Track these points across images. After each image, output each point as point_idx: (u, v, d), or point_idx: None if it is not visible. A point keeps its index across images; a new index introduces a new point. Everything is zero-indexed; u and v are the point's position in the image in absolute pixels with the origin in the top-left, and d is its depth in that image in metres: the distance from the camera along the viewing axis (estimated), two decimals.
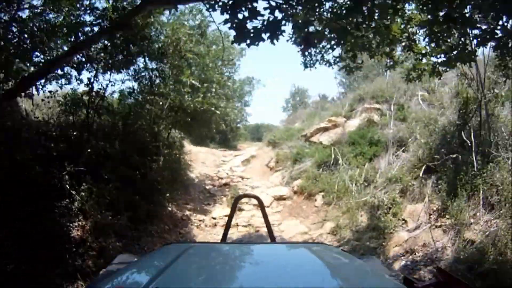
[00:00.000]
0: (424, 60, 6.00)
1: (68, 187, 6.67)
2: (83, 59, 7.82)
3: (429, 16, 4.89)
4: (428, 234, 7.14)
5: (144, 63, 8.95)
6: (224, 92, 11.70)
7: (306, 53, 5.97)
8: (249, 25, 3.79)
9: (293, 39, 5.38)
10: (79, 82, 7.93)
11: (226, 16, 3.75)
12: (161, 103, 8.97)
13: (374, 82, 17.31)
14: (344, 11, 4.42)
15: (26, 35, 6.80)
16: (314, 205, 10.03)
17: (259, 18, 3.70)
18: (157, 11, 7.73)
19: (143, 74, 9.16)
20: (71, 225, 6.51)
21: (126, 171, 8.11)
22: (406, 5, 5.28)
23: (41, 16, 7.15)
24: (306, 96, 37.79)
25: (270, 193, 11.22)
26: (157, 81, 9.19)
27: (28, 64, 7.09)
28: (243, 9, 3.70)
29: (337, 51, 5.97)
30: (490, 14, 4.16)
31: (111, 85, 8.37)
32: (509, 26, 4.24)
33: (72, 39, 7.26)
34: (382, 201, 8.53)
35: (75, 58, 7.64)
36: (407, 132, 10.83)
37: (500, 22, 4.21)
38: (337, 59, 6.11)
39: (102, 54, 7.81)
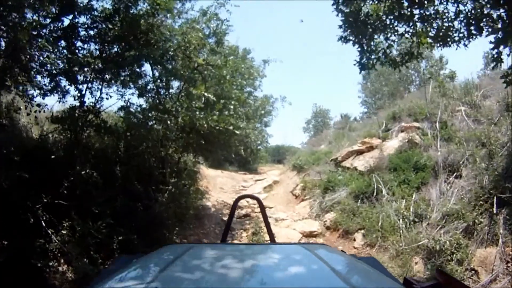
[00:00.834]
0: None
1: (44, 224, 5.19)
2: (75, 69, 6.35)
3: None
4: None
5: (150, 74, 7.43)
6: (244, 110, 9.97)
7: (364, 50, 4.35)
8: None
9: None
10: (65, 93, 6.41)
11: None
12: (169, 122, 7.36)
13: (406, 99, 15.57)
14: None
15: None
16: (353, 246, 8.12)
17: None
18: (162, 8, 6.21)
19: (148, 87, 7.62)
20: (47, 270, 5.34)
21: (124, 203, 6.53)
22: None
23: None
24: (327, 116, 36.24)
25: (298, 227, 9.33)
26: (163, 93, 7.63)
27: None
28: None
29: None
30: None
31: (107, 99, 6.82)
32: None
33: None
34: (443, 244, 6.65)
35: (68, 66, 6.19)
36: (459, 154, 9.00)
37: None
38: (406, 57, 4.43)
39: (95, 61, 6.28)
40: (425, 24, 5.50)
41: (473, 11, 5.24)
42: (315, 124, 35.99)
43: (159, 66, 7.45)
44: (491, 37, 4.89)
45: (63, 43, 6.47)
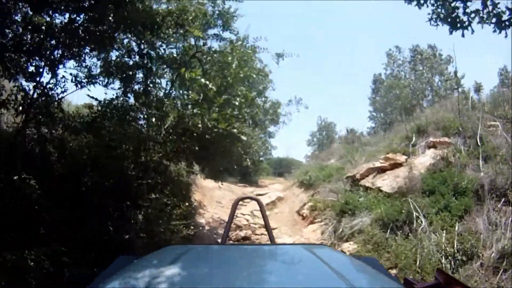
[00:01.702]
0: None
1: None
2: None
3: None
4: None
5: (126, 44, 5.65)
6: (251, 113, 8.11)
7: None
8: None
9: None
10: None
11: None
12: (154, 119, 5.58)
13: (426, 113, 13.79)
14: None
15: None
16: None
17: None
18: None
19: (130, 72, 5.83)
20: None
21: (81, 229, 4.73)
22: None
23: None
24: (333, 130, 34.52)
25: None
26: (150, 81, 5.83)
27: None
28: None
29: None
30: None
31: (68, 81, 5.07)
32: None
33: None
34: None
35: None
36: (505, 175, 7.26)
37: None
38: None
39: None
40: None
41: None
42: (319, 138, 34.27)
43: (142, 41, 5.66)
44: None
45: None
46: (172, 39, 5.74)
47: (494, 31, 5.11)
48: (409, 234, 6.96)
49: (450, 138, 9.70)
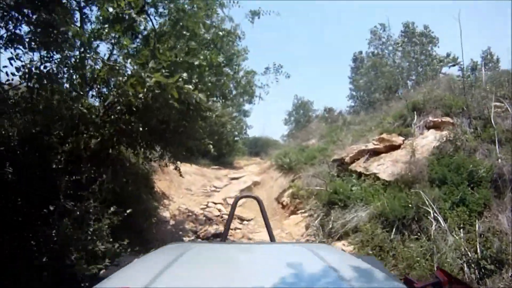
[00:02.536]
0: None
1: None
2: None
3: None
4: None
5: None
6: (219, 82, 6.28)
7: None
8: None
9: None
10: None
11: None
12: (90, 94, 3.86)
13: (417, 91, 12.40)
14: None
15: None
16: None
17: None
18: None
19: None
20: None
21: None
22: None
23: None
24: (310, 109, 33.14)
25: None
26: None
27: None
28: None
29: None
30: None
31: None
32: None
33: None
34: None
35: None
36: None
37: None
38: None
39: None
40: None
41: None
42: (296, 117, 32.85)
43: None
44: None
45: None
46: None
47: None
48: (419, 234, 5.53)
49: (452, 118, 8.31)
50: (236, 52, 6.96)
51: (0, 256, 3.59)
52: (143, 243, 6.41)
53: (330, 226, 6.69)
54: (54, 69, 4.27)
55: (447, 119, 8.26)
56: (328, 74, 49.21)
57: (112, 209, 4.29)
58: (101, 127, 5.10)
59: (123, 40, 4.75)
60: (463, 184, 5.92)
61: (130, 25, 4.29)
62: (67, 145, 4.56)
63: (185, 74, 3.94)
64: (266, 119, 63.31)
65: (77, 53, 4.34)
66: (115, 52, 5.63)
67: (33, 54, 4.37)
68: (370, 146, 8.17)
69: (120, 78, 4.01)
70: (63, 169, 4.42)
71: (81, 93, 4.63)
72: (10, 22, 4.21)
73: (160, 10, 5.42)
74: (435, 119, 8.43)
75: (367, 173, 7.49)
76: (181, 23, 4.82)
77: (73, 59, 4.26)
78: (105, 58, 4.97)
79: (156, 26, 4.77)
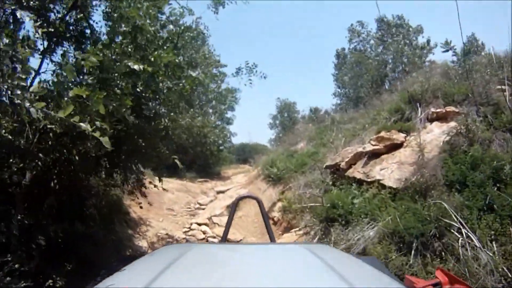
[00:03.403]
0: None
1: None
2: None
3: None
4: None
5: None
6: (178, 87, 4.97)
7: None
8: None
9: None
10: None
11: None
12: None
13: (408, 82, 11.33)
14: None
15: None
16: None
17: None
18: None
19: None
20: None
21: None
22: None
23: None
24: (294, 110, 32.08)
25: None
26: None
27: None
28: None
29: None
30: None
31: None
32: None
33: None
34: None
35: None
36: None
37: None
38: None
39: None
40: None
41: None
42: (281, 120, 31.73)
43: None
44: None
45: None
46: None
47: None
48: (444, 253, 4.38)
49: (456, 107, 7.24)
50: (199, 51, 5.75)
51: None
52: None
53: (331, 246, 5.51)
54: None
55: (451, 108, 7.19)
56: (310, 73, 48.37)
57: None
58: (35, 157, 3.88)
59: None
60: (488, 185, 4.79)
61: None
62: None
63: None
64: (251, 124, 62.12)
65: None
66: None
67: None
68: (368, 147, 7.01)
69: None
70: None
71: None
72: None
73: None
74: (438, 110, 7.34)
75: (369, 180, 6.33)
76: (117, 13, 3.64)
77: None
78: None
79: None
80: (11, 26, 3.34)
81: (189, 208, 10.84)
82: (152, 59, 3.88)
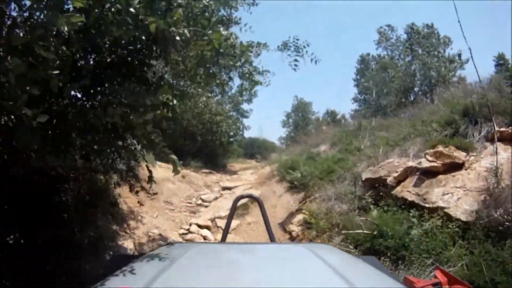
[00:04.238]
0: None
1: None
2: None
3: None
4: None
5: None
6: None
7: None
8: None
9: None
10: None
11: None
12: None
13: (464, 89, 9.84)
14: None
15: None
16: None
17: None
18: None
19: None
20: None
21: None
22: None
23: None
24: (309, 110, 30.68)
25: None
26: None
27: None
28: None
29: None
30: None
31: None
32: None
33: None
34: None
35: None
36: None
37: None
38: None
39: None
40: None
41: None
42: (295, 119, 30.33)
43: None
44: None
45: None
46: None
47: None
48: None
49: None
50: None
51: None
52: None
53: None
54: None
55: None
56: (329, 73, 46.80)
57: None
58: None
59: None
60: None
61: None
62: None
63: None
64: (263, 119, 60.69)
65: None
66: None
67: None
68: (424, 163, 5.53)
69: None
70: None
71: None
72: None
73: None
74: (504, 129, 5.89)
75: (427, 205, 4.87)
76: None
77: None
78: None
79: None
80: None
81: (190, 203, 9.44)
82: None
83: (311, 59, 4.02)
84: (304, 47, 3.94)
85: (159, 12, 2.57)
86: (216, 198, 9.93)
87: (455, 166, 5.53)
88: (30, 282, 3.36)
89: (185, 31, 2.61)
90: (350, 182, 7.05)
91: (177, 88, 3.61)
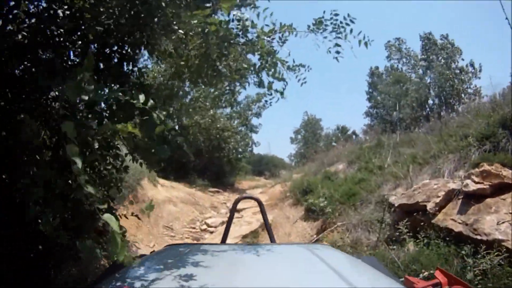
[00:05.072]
0: None
1: None
2: None
3: None
4: None
5: None
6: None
7: None
8: None
9: None
10: None
11: None
12: None
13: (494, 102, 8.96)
14: None
15: None
16: None
17: None
18: None
19: None
20: None
21: None
22: None
23: None
24: (319, 127, 29.78)
25: None
26: None
27: None
28: None
29: None
30: None
31: None
32: None
33: None
34: None
35: None
36: None
37: None
38: None
39: None
40: None
41: None
42: (305, 135, 29.42)
43: None
44: None
45: None
46: None
47: None
48: None
49: None
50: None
51: None
52: None
53: None
54: None
55: None
56: (338, 88, 46.07)
57: None
58: None
59: None
60: None
61: None
62: None
63: None
64: (271, 135, 59.79)
65: None
66: None
67: None
68: (471, 185, 4.61)
69: None
70: None
71: None
72: None
73: None
74: None
75: (478, 237, 3.95)
76: None
77: None
78: None
79: None
80: None
81: (194, 228, 8.54)
82: None
83: (359, 41, 2.96)
84: (348, 24, 2.95)
85: None
86: (223, 223, 9.02)
87: (503, 187, 4.62)
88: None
89: None
90: (375, 207, 6.16)
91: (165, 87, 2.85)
